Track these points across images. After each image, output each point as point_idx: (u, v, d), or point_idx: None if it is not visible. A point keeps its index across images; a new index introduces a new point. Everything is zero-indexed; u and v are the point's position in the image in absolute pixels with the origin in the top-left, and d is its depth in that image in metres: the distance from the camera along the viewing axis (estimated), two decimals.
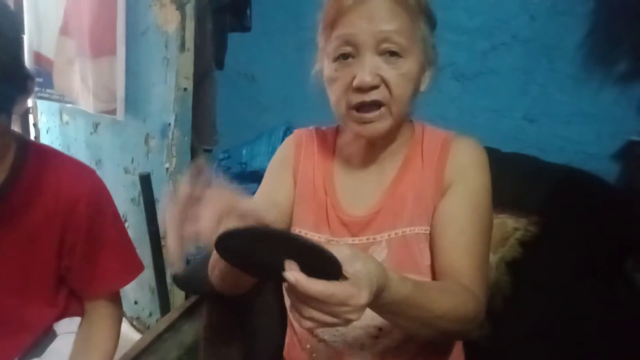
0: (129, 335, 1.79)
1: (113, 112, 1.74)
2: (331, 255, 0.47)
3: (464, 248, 0.72)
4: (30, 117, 2.40)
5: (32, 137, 2.36)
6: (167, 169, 1.67)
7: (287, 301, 0.87)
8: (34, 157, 0.84)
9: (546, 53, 1.40)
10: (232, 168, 1.93)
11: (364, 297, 0.48)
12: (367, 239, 0.79)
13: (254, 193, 1.98)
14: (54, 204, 0.84)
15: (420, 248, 0.76)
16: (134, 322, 1.96)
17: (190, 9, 1.56)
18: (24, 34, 0.75)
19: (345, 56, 0.71)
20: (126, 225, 1.87)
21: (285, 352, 0.90)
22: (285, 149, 0.90)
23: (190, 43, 1.59)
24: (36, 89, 2.03)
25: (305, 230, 0.83)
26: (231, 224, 0.51)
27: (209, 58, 1.94)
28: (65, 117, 2.21)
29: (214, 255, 0.75)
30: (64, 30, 1.88)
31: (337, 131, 0.89)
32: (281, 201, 0.85)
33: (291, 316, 0.86)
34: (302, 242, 0.47)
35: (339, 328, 0.79)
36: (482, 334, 0.95)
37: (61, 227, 0.85)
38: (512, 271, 1.06)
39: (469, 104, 1.52)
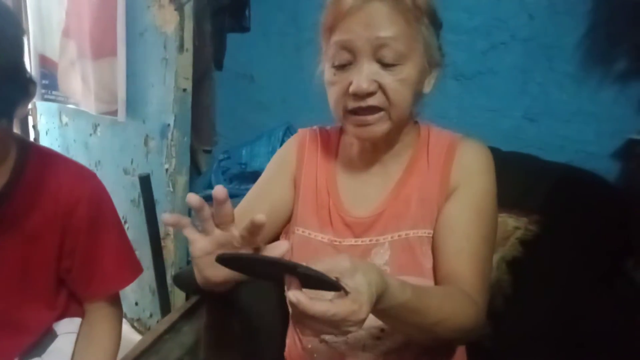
0: (130, 336, 1.79)
1: (114, 113, 1.75)
2: (330, 280, 0.48)
3: (468, 254, 0.72)
4: (30, 118, 2.40)
5: (32, 138, 2.36)
6: (167, 169, 1.67)
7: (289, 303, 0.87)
8: (35, 160, 0.84)
9: (545, 52, 1.39)
10: (231, 168, 1.93)
11: (364, 311, 0.49)
12: (370, 240, 0.78)
13: None
14: (54, 206, 0.84)
15: (423, 251, 0.76)
16: (135, 324, 1.96)
17: (188, 9, 1.56)
18: (25, 36, 0.75)
19: (343, 64, 0.71)
20: (126, 226, 1.87)
21: (286, 352, 0.90)
22: (288, 149, 0.89)
23: (189, 44, 1.59)
24: (42, 91, 2.04)
25: (309, 231, 0.83)
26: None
27: (208, 59, 1.95)
28: (65, 119, 2.21)
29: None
30: (66, 33, 1.88)
31: (341, 131, 0.89)
32: (275, 197, 0.85)
33: (292, 321, 0.86)
34: (302, 272, 0.48)
35: None
36: (484, 334, 0.95)
37: (61, 229, 0.85)
38: (512, 270, 1.06)
39: (468, 104, 1.52)
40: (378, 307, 0.55)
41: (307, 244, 0.82)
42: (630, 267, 1.03)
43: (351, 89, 0.69)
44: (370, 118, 0.71)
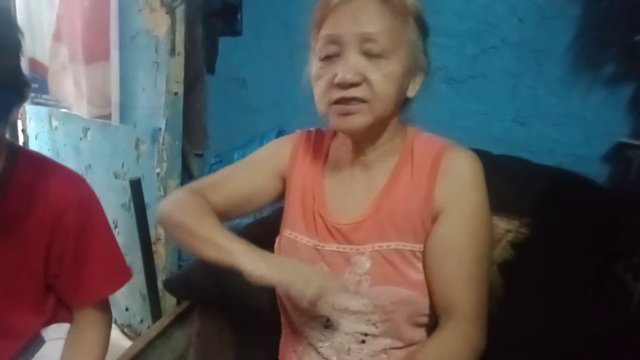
0: (120, 342, 1.78)
1: (107, 117, 1.74)
2: None
3: (463, 280, 0.72)
4: (19, 122, 2.38)
5: (21, 142, 2.34)
6: (158, 173, 1.66)
7: (280, 303, 0.87)
8: (24, 164, 0.84)
9: (535, 56, 1.41)
10: None
11: None
12: (351, 249, 0.78)
13: None
14: (43, 211, 0.83)
15: (405, 264, 0.75)
16: (125, 329, 1.94)
17: (180, 13, 1.56)
18: (24, 40, 0.75)
19: (330, 56, 0.72)
20: (116, 231, 1.85)
21: (280, 357, 0.90)
22: (283, 146, 0.90)
23: (180, 47, 1.59)
24: (32, 94, 2.03)
25: (295, 233, 0.83)
26: None
27: (200, 62, 1.94)
28: (55, 123, 2.19)
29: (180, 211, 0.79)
30: (57, 36, 1.87)
31: (334, 134, 0.89)
32: (253, 182, 0.87)
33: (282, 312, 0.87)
34: None
35: (325, 333, 0.79)
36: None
37: (49, 234, 0.84)
38: (504, 273, 1.06)
39: (459, 107, 1.53)
40: None
41: (293, 247, 0.83)
42: (621, 270, 1.04)
43: (336, 79, 0.70)
44: (351, 107, 0.71)
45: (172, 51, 1.56)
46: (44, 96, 2.03)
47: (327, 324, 0.80)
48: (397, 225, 0.76)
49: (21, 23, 1.97)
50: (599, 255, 1.04)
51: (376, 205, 0.78)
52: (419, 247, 0.76)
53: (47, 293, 0.90)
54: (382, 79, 0.70)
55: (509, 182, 1.15)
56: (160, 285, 1.68)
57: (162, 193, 1.66)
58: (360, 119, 0.72)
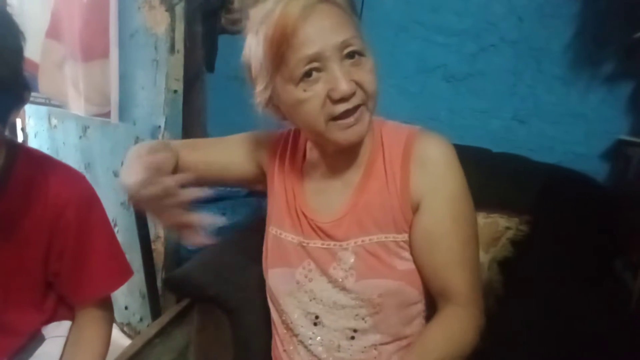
0: (120, 341, 1.77)
1: (105, 115, 1.73)
2: None
3: (455, 266, 0.73)
4: (18, 121, 2.37)
5: (20, 141, 2.33)
6: None
7: (271, 302, 0.87)
8: (24, 162, 0.84)
9: (534, 55, 1.41)
10: None
11: None
12: (335, 244, 0.79)
13: (244, 196, 1.96)
14: (43, 209, 0.83)
15: (389, 254, 0.76)
16: (125, 328, 1.94)
17: (179, 10, 1.55)
18: (25, 43, 0.75)
19: (309, 74, 0.67)
20: (116, 229, 1.85)
21: (272, 355, 0.90)
22: (261, 139, 0.91)
23: (180, 45, 1.58)
24: None
25: (280, 230, 0.84)
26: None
27: (199, 61, 1.93)
28: (54, 121, 2.19)
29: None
30: (51, 34, 1.86)
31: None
32: (230, 158, 0.90)
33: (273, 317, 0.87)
34: None
35: (315, 330, 0.80)
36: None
37: (49, 232, 0.84)
38: (503, 271, 1.07)
39: (459, 105, 1.53)
40: None
41: (279, 244, 0.84)
42: (620, 268, 1.04)
43: (335, 95, 0.67)
44: (354, 117, 0.70)
45: (172, 49, 1.56)
46: (34, 94, 2.01)
47: (316, 321, 0.80)
48: (376, 219, 0.77)
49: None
50: (598, 252, 1.04)
51: (353, 201, 0.79)
52: (402, 237, 0.76)
53: (47, 291, 0.90)
54: (369, 77, 0.70)
55: (509, 179, 1.15)
56: (159, 284, 1.68)
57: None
58: (363, 126, 0.71)
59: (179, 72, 1.60)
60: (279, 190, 0.86)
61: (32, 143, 2.35)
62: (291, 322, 0.82)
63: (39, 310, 0.89)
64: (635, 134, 1.24)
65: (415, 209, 0.75)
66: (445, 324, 0.72)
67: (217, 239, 1.65)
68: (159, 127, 1.62)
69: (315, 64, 0.67)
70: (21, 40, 0.72)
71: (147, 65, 1.61)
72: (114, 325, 1.73)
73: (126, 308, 1.91)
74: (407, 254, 0.77)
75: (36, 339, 0.89)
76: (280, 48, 0.67)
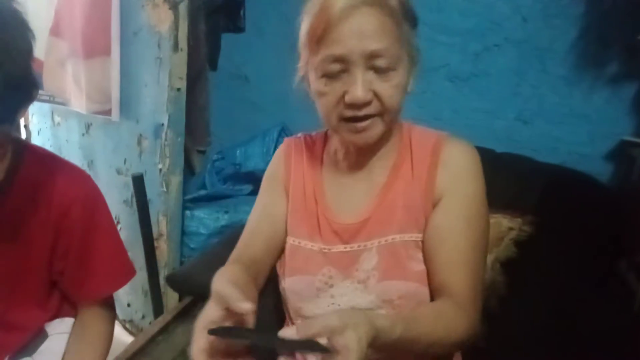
0: (122, 338, 1.78)
1: (107, 112, 1.73)
2: (320, 346, 0.52)
3: (458, 265, 0.72)
4: (22, 118, 2.38)
5: (23, 138, 2.34)
6: (160, 169, 1.66)
7: (285, 303, 0.86)
8: (30, 160, 0.84)
9: (538, 55, 1.41)
10: (225, 169, 1.92)
11: None
12: (358, 246, 0.78)
13: (248, 194, 1.97)
14: (47, 208, 0.83)
15: (409, 255, 0.76)
16: (127, 325, 1.94)
17: (183, 9, 1.55)
18: (35, 41, 0.76)
19: (334, 72, 0.69)
20: (119, 227, 1.85)
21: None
22: (276, 162, 0.90)
23: (183, 43, 1.58)
24: None
25: (299, 239, 0.83)
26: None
27: (203, 59, 1.93)
28: (57, 119, 2.19)
29: None
30: (55, 31, 1.86)
31: (326, 137, 0.88)
32: (274, 214, 0.85)
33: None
34: (289, 344, 0.53)
35: None
36: (478, 335, 0.96)
37: (54, 231, 0.84)
38: (507, 271, 1.07)
39: (462, 105, 1.53)
40: (373, 347, 0.57)
41: (298, 253, 0.82)
42: (623, 268, 1.04)
43: (348, 99, 0.68)
44: (365, 124, 0.71)
45: (175, 47, 1.56)
46: (40, 91, 2.02)
47: None
48: (399, 218, 0.77)
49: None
50: (602, 253, 1.04)
51: (379, 201, 0.79)
52: (422, 237, 0.77)
53: (51, 289, 0.90)
54: (392, 92, 0.69)
55: (512, 180, 1.15)
56: (162, 282, 1.68)
57: (165, 189, 1.66)
58: (373, 133, 0.72)
59: (182, 70, 1.60)
60: (296, 198, 0.85)
61: (35, 140, 2.35)
62: None
63: (43, 308, 0.89)
64: (639, 135, 1.24)
65: (435, 207, 0.76)
66: (437, 306, 0.71)
67: (220, 237, 1.66)
68: (162, 124, 1.62)
69: (338, 66, 0.68)
70: (31, 39, 0.72)
71: (150, 63, 1.61)
72: (117, 322, 1.73)
73: (129, 305, 1.91)
74: (421, 255, 0.76)
75: (40, 335, 0.90)
76: (314, 39, 0.68)
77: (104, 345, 0.90)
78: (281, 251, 0.85)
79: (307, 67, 0.74)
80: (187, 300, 1.08)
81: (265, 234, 0.84)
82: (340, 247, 0.79)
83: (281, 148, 0.90)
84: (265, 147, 1.86)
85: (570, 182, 1.15)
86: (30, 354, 0.88)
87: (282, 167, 0.87)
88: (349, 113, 0.70)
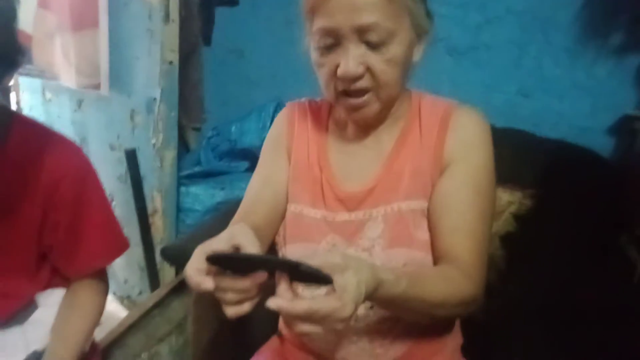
0: (120, 314, 1.78)
1: (97, 87, 1.69)
2: (320, 273, 0.50)
3: (464, 232, 0.71)
4: (13, 94, 2.33)
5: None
6: (154, 144, 1.63)
7: None
8: (18, 130, 0.81)
9: (540, 26, 1.37)
10: (221, 145, 1.89)
11: (348, 310, 0.50)
12: (364, 214, 0.77)
13: (244, 171, 1.94)
14: (36, 180, 0.81)
15: (415, 223, 0.74)
16: (124, 301, 1.94)
17: None
18: (19, 7, 0.74)
19: (327, 46, 0.68)
20: (113, 204, 1.84)
21: (280, 325, 0.89)
22: (278, 126, 0.87)
23: (175, 14, 1.54)
24: None
25: (301, 207, 0.81)
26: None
27: (196, 32, 1.89)
28: (48, 95, 2.15)
29: None
30: (43, 3, 1.81)
31: (332, 104, 0.86)
32: (277, 180, 0.83)
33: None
34: (292, 265, 0.51)
35: None
36: (478, 308, 0.95)
37: (43, 204, 0.83)
38: (506, 245, 1.06)
39: (462, 79, 1.50)
40: (374, 299, 0.56)
41: (300, 221, 0.80)
42: (624, 242, 1.03)
43: (339, 72, 0.67)
44: (360, 101, 0.70)
45: (166, 18, 1.51)
46: (28, 66, 1.97)
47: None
48: (407, 185, 0.76)
49: None
50: (603, 227, 1.03)
51: (386, 168, 0.78)
52: (427, 204, 0.75)
53: (42, 261, 0.88)
54: (385, 66, 0.68)
55: (512, 153, 1.13)
56: (158, 258, 1.67)
57: (159, 164, 1.64)
58: (369, 110, 0.72)
59: (174, 43, 1.56)
60: (299, 165, 0.83)
61: None
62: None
63: (33, 279, 0.88)
64: None
65: (443, 174, 0.75)
66: (443, 268, 0.70)
67: (216, 212, 1.64)
68: (155, 99, 1.58)
69: (330, 40, 0.68)
70: (14, 3, 0.70)
71: (141, 35, 1.56)
72: (114, 298, 1.72)
73: (125, 282, 1.91)
74: (426, 224, 0.75)
75: (30, 306, 0.88)
76: (308, 9, 0.69)
77: (94, 315, 0.89)
78: (283, 219, 0.83)
79: (307, 39, 0.73)
80: (182, 275, 1.07)
81: (267, 201, 0.82)
82: (345, 216, 0.78)
83: (284, 111, 0.88)
84: (261, 122, 1.83)
85: (570, 156, 1.14)
86: (20, 323, 0.87)
87: (284, 131, 0.85)
88: (342, 86, 0.69)
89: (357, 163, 0.80)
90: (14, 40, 0.72)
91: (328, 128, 0.84)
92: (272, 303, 0.50)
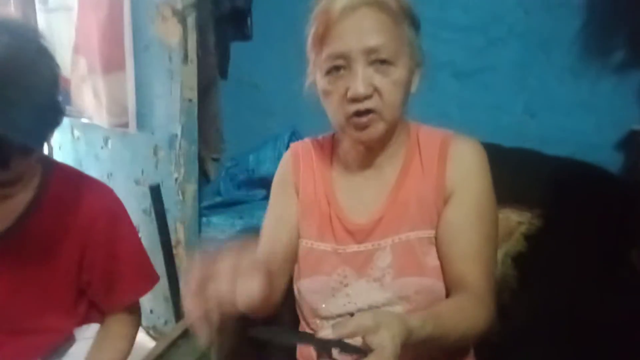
0: (146, 344, 1.82)
1: (125, 125, 1.79)
2: (353, 346, 0.54)
3: (473, 258, 0.74)
4: None
5: (46, 153, 2.41)
6: (176, 179, 1.70)
7: (300, 304, 0.88)
8: (58, 178, 0.89)
9: (542, 46, 1.40)
10: (239, 175, 1.96)
11: None
12: (372, 245, 0.80)
13: (261, 199, 1.99)
14: (74, 222, 0.88)
15: (424, 251, 0.77)
16: (150, 331, 1.99)
17: (191, 21, 1.59)
18: (60, 71, 0.81)
19: (337, 69, 0.73)
20: (139, 236, 1.91)
21: (298, 354, 0.91)
22: (284, 166, 0.91)
23: (193, 54, 1.62)
24: None
25: (312, 241, 0.84)
26: (246, 283, 0.55)
27: (213, 68, 1.98)
28: (77, 133, 2.26)
29: None
30: (77, 49, 1.92)
31: (334, 139, 0.90)
32: (289, 219, 0.87)
33: None
34: (326, 343, 0.55)
35: None
36: (491, 330, 0.96)
37: (81, 243, 0.89)
38: (517, 265, 1.07)
39: (469, 101, 1.53)
40: (404, 347, 0.59)
41: (311, 255, 0.84)
42: (634, 258, 1.03)
43: (350, 94, 0.71)
44: (366, 120, 0.73)
45: (185, 59, 1.60)
46: (68, 107, 2.09)
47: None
48: (413, 215, 0.79)
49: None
50: (612, 245, 1.03)
51: (391, 199, 0.81)
52: (434, 233, 0.79)
53: (80, 298, 0.95)
54: (391, 88, 0.72)
55: (520, 174, 1.15)
56: (182, 287, 1.72)
57: (181, 197, 1.71)
58: (375, 129, 0.75)
59: (193, 81, 1.64)
60: (307, 201, 0.87)
61: (57, 155, 2.42)
62: (322, 326, 0.83)
63: (72, 315, 0.94)
64: None
65: (447, 203, 0.79)
66: (458, 301, 0.72)
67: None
68: (176, 135, 1.66)
69: (340, 62, 0.72)
70: (56, 69, 0.78)
71: (162, 75, 1.65)
72: (140, 328, 1.77)
73: (151, 312, 1.96)
74: (435, 251, 0.78)
75: (69, 340, 0.94)
76: (317, 39, 0.74)
77: (125, 346, 0.95)
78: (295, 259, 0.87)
79: (315, 69, 0.78)
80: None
81: (283, 240, 0.85)
82: (354, 247, 0.81)
83: (288, 153, 0.92)
84: (277, 151, 1.89)
85: (579, 174, 1.15)
86: (59, 357, 0.93)
87: (291, 170, 0.89)
88: (352, 108, 0.73)
89: (362, 195, 0.83)
90: (56, 102, 0.79)
91: (332, 163, 0.88)
92: None
